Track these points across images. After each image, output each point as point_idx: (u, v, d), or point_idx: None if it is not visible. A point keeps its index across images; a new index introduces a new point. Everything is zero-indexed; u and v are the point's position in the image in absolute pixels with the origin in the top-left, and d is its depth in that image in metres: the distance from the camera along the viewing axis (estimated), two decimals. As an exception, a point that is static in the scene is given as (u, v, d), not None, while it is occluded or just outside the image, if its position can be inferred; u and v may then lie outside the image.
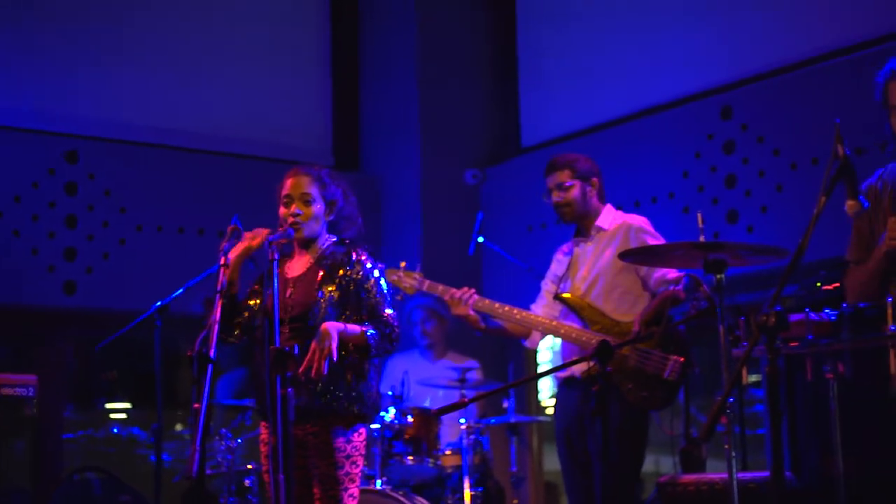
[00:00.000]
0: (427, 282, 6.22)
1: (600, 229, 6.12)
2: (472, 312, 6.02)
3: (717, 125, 8.06)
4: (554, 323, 6.02)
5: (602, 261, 6.04)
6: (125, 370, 10.30)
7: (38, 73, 8.73)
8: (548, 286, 6.33)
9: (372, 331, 5.11)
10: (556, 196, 6.13)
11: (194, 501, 4.60)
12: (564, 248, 6.33)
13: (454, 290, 6.07)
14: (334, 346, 4.94)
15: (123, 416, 10.44)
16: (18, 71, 8.63)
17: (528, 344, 6.38)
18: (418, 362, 8.43)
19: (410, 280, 6.25)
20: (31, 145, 8.44)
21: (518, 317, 6.05)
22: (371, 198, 9.73)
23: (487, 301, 6.05)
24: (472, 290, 6.03)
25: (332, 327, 4.98)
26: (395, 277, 6.22)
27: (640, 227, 6.05)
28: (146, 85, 9.16)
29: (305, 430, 5.11)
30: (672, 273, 5.83)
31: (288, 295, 5.18)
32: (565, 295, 6.09)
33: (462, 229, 8.43)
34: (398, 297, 6.18)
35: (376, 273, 5.28)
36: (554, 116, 9.61)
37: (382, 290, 5.27)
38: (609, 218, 6.15)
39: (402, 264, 6.29)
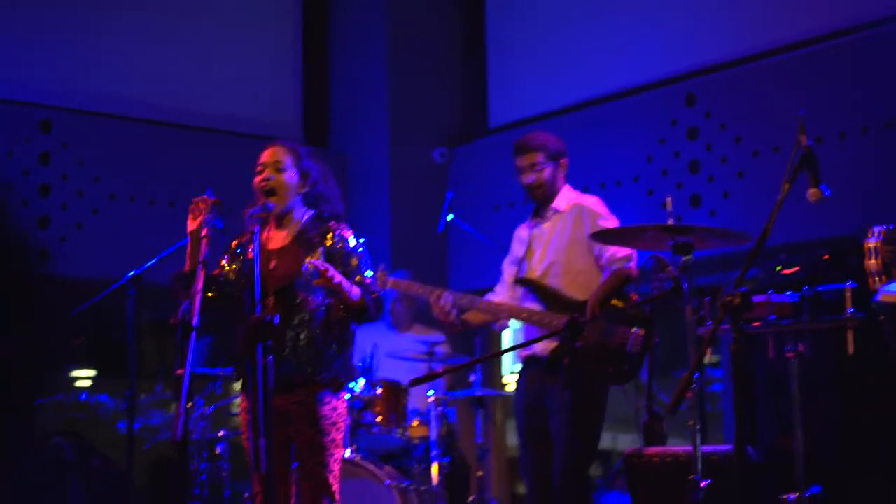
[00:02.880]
0: (391, 278, 6.36)
1: (555, 211, 6.18)
2: (455, 321, 6.10)
3: (682, 112, 8.21)
4: (517, 308, 6.09)
5: (558, 241, 6.11)
6: (92, 338, 10.37)
7: (11, 42, 8.76)
8: (508, 269, 6.38)
9: (368, 295, 5.23)
10: (528, 177, 6.17)
11: (173, 465, 4.70)
12: (521, 230, 6.38)
13: (430, 289, 6.15)
14: (336, 275, 5.09)
15: (89, 383, 10.51)
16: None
17: (497, 326, 6.49)
18: (384, 334, 8.51)
19: (396, 278, 6.46)
20: (4, 114, 8.48)
21: (485, 307, 6.12)
22: (339, 174, 9.72)
23: (465, 298, 6.11)
24: (444, 294, 6.10)
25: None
26: (380, 273, 6.25)
27: (591, 208, 6.12)
28: (120, 57, 9.20)
29: (289, 399, 5.22)
30: (622, 251, 5.92)
31: (273, 267, 5.24)
32: (525, 277, 6.17)
33: (430, 207, 8.57)
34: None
35: (360, 249, 5.36)
36: (521, 98, 9.71)
37: (367, 261, 5.37)
38: (564, 199, 6.21)
39: (381, 266, 6.34)
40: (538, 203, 6.28)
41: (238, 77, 9.85)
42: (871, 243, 4.99)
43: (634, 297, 5.92)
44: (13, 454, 7.47)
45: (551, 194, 6.21)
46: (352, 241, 5.38)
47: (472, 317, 6.26)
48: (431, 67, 10.18)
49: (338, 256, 5.31)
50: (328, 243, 5.33)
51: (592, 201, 6.21)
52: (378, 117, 9.97)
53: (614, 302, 5.85)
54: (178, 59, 9.53)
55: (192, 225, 5.17)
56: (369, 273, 5.36)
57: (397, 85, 9.98)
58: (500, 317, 6.22)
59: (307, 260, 5.19)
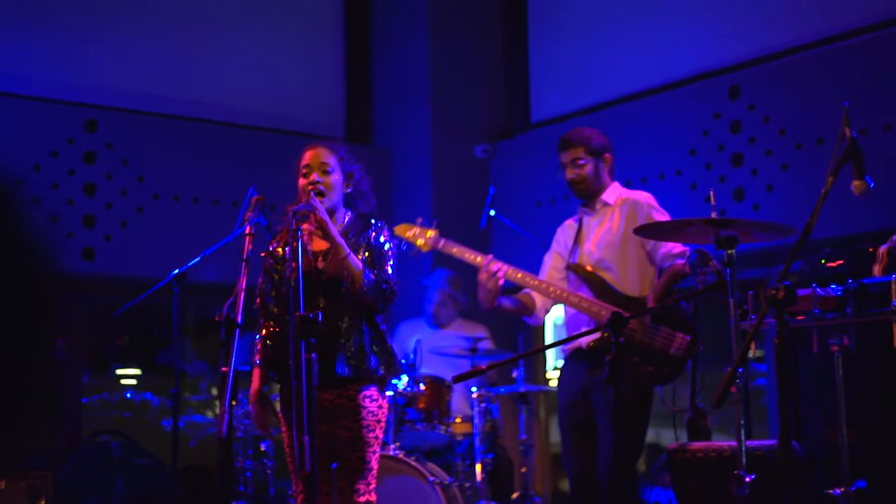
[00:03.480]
0: (442, 240, 6.13)
1: (605, 204, 6.14)
2: (498, 289, 5.95)
3: (725, 104, 8.16)
4: (567, 291, 6.02)
5: (608, 237, 6.06)
6: (137, 337, 10.44)
7: (59, 43, 8.82)
8: (551, 260, 6.32)
9: (370, 273, 5.22)
10: (570, 173, 6.14)
11: (217, 463, 4.71)
12: (570, 221, 6.34)
13: (481, 255, 6.01)
14: (325, 217, 5.12)
15: (134, 381, 10.57)
16: (39, 41, 8.72)
17: (531, 321, 6.38)
18: (426, 331, 8.54)
19: (425, 237, 6.16)
20: (51, 115, 8.53)
21: (535, 284, 6.03)
22: (382, 171, 9.82)
23: (518, 273, 5.98)
24: (499, 263, 5.94)
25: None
26: (410, 233, 6.16)
27: (647, 202, 6.08)
28: (164, 56, 9.27)
29: (336, 394, 5.26)
30: (678, 247, 5.88)
31: (321, 268, 5.29)
32: (577, 264, 6.10)
33: (472, 203, 8.57)
34: (412, 254, 6.17)
35: (388, 246, 5.39)
36: (563, 93, 9.70)
37: (392, 255, 5.39)
38: (614, 194, 6.17)
39: (419, 220, 6.22)
40: (579, 198, 6.24)
41: (281, 75, 9.89)
42: (883, 249, 4.99)
43: (673, 296, 5.87)
44: (61, 452, 7.53)
45: (595, 190, 6.16)
46: (386, 233, 5.43)
47: (508, 303, 6.19)
48: (474, 62, 10.18)
49: (366, 244, 5.36)
50: (370, 239, 5.37)
51: (645, 196, 6.17)
52: (420, 114, 9.98)
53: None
54: (221, 58, 9.58)
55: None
56: (391, 271, 5.35)
57: (439, 81, 9.99)
58: (549, 298, 6.10)
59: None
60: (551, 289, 6.01)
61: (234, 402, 5.62)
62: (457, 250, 6.09)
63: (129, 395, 10.41)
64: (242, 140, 9.35)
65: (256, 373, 5.46)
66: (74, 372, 8.62)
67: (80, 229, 8.51)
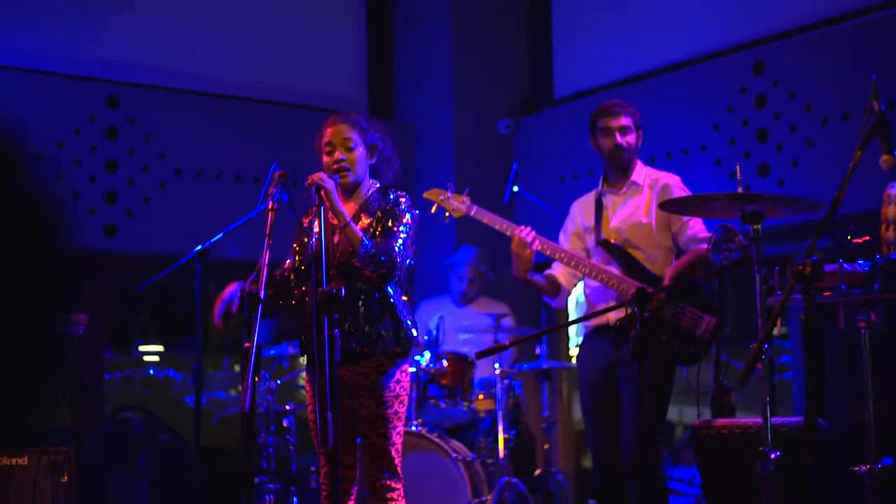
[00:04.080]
0: (475, 207, 6.04)
1: (634, 184, 6.09)
2: (531, 257, 5.85)
3: (750, 79, 8.08)
4: (597, 266, 5.93)
5: (637, 215, 6.02)
6: (159, 313, 10.45)
7: (79, 18, 8.79)
8: (567, 242, 6.25)
9: (370, 242, 5.15)
10: (619, 138, 6.03)
11: (244, 436, 4.69)
12: (587, 198, 6.28)
13: (514, 226, 5.92)
14: (330, 185, 5.07)
15: (156, 358, 10.59)
16: (60, 17, 8.69)
17: (554, 303, 6.33)
18: (449, 308, 8.54)
19: (457, 202, 6.08)
20: (73, 91, 8.50)
21: (565, 257, 5.94)
22: (405, 146, 9.72)
23: (549, 246, 5.92)
24: (532, 231, 5.88)
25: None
26: (441, 198, 6.09)
27: (677, 185, 6.05)
28: (184, 31, 9.24)
29: (354, 371, 5.25)
30: (704, 232, 5.87)
31: (336, 242, 5.25)
32: (608, 240, 6.02)
33: (495, 179, 8.54)
34: (443, 219, 6.10)
35: (408, 216, 5.31)
36: (587, 68, 9.63)
37: (406, 230, 5.27)
38: (643, 173, 6.12)
39: (450, 185, 6.16)
40: (615, 169, 6.15)
41: (303, 50, 9.85)
42: (893, 192, 4.93)
43: (697, 274, 5.82)
44: (83, 428, 7.54)
45: (629, 162, 6.10)
46: (403, 205, 5.33)
47: (538, 278, 6.12)
48: (497, 37, 10.12)
49: (382, 209, 5.31)
50: (380, 208, 5.33)
51: (675, 179, 6.12)
52: (443, 88, 9.94)
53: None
54: (243, 32, 9.54)
55: None
56: (399, 242, 5.23)
57: (462, 55, 9.94)
58: (579, 271, 5.98)
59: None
60: (582, 263, 5.94)
61: (256, 379, 5.61)
62: (488, 219, 6.01)
63: (151, 371, 10.42)
64: (265, 115, 9.31)
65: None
66: (96, 348, 8.62)
67: (102, 205, 8.49)
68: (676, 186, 6.05)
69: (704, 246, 5.77)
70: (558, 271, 6.19)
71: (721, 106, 8.25)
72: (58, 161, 8.29)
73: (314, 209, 4.97)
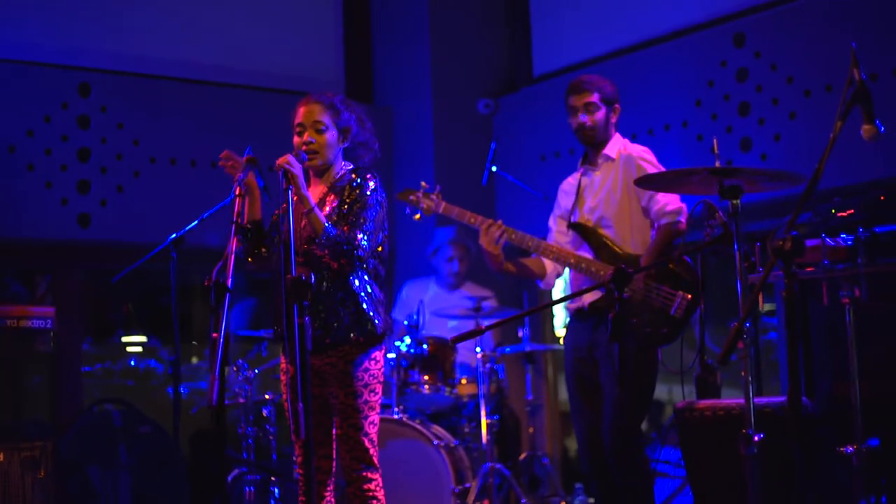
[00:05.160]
0: (443, 204, 6.14)
1: (608, 157, 6.03)
2: (500, 251, 5.90)
3: (730, 52, 7.96)
4: (566, 251, 5.93)
5: (608, 193, 5.96)
6: (141, 303, 10.34)
7: (48, 5, 8.65)
8: (555, 225, 6.25)
9: (333, 229, 5.06)
10: (580, 117, 5.99)
11: (215, 429, 4.58)
12: (570, 179, 6.25)
13: (481, 218, 5.96)
14: (297, 170, 4.96)
15: (140, 349, 10.48)
16: (29, 4, 8.55)
17: (543, 285, 6.28)
18: (433, 292, 8.45)
19: (428, 201, 6.19)
20: (43, 79, 8.36)
21: (535, 245, 5.93)
22: (383, 130, 9.65)
23: (516, 233, 5.92)
24: (501, 224, 5.90)
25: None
26: (412, 198, 6.19)
27: (640, 155, 5.96)
28: (157, 16, 9.08)
29: (322, 360, 5.15)
30: (672, 204, 5.79)
31: (303, 226, 5.15)
32: (578, 222, 6.01)
33: (475, 160, 8.44)
34: (416, 217, 6.19)
35: (375, 202, 5.21)
36: (566, 44, 9.50)
37: (371, 216, 5.18)
38: (615, 148, 6.05)
39: (423, 184, 6.24)
40: (588, 147, 6.11)
41: (279, 33, 9.70)
42: None
43: (677, 250, 5.72)
44: (61, 422, 7.44)
45: (602, 140, 6.04)
46: (371, 189, 5.22)
47: (515, 268, 6.11)
48: (474, 14, 10.01)
49: (347, 191, 5.21)
50: (346, 192, 5.23)
51: (640, 150, 6.05)
52: (421, 70, 9.81)
53: (671, 267, 5.68)
54: (217, 15, 9.39)
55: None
56: (364, 231, 5.13)
57: (440, 35, 9.80)
58: (548, 258, 6.00)
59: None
60: (552, 249, 5.94)
61: (233, 369, 5.49)
62: (457, 213, 6.08)
63: (132, 362, 10.30)
64: (240, 100, 9.16)
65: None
66: (72, 340, 8.51)
67: (75, 195, 8.34)
68: (638, 157, 5.97)
69: (680, 220, 5.73)
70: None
71: (702, 80, 8.13)
72: (28, 150, 8.18)
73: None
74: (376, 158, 5.49)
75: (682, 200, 5.91)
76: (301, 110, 5.31)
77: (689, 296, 5.60)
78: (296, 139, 5.28)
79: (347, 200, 5.19)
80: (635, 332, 5.65)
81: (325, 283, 5.13)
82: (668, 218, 5.76)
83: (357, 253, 5.07)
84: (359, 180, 5.22)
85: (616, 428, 5.59)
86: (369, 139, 5.44)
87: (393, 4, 10.17)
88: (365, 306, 5.17)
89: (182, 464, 7.57)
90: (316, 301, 5.09)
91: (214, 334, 4.39)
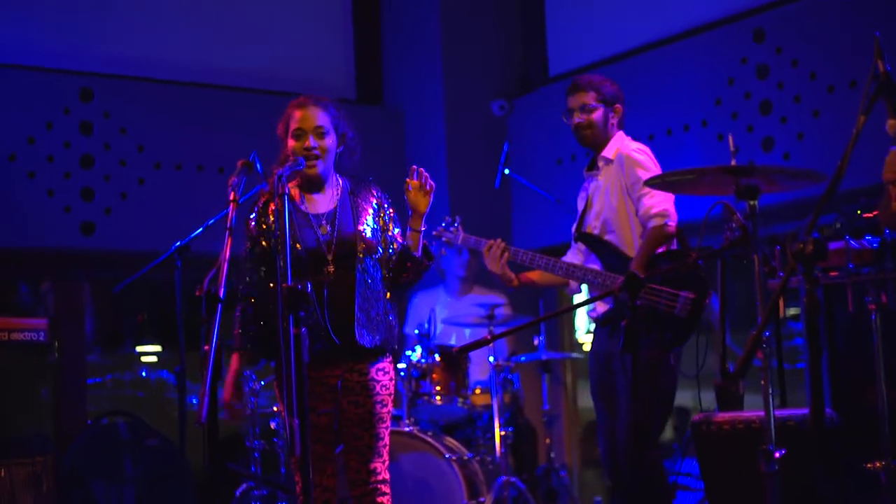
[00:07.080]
0: (462, 234, 6.11)
1: (606, 160, 5.84)
2: (506, 269, 5.85)
3: (751, 49, 7.79)
4: (573, 265, 5.77)
5: (608, 196, 5.78)
6: (154, 312, 10.21)
7: (49, 9, 8.54)
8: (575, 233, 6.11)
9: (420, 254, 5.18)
10: (577, 117, 5.84)
11: (209, 448, 4.42)
12: (585, 184, 6.06)
13: (487, 241, 5.91)
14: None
15: (154, 359, 10.35)
16: (29, 8, 8.44)
17: (569, 291, 6.16)
18: (443, 299, 8.30)
19: (450, 235, 6.18)
20: (44, 84, 8.24)
21: (542, 263, 5.79)
22: (395, 131, 9.57)
23: (522, 253, 5.84)
24: (502, 244, 5.85)
25: None
26: (434, 233, 6.13)
27: (630, 156, 5.74)
28: (162, 18, 8.97)
29: (333, 372, 5.02)
30: (657, 206, 5.56)
31: (326, 232, 5.04)
32: (583, 232, 5.87)
33: (490, 162, 8.26)
34: (441, 252, 6.43)
35: (394, 214, 5.27)
36: (582, 44, 9.36)
37: (399, 227, 5.29)
38: (614, 148, 5.85)
39: (446, 218, 6.21)
40: (588, 149, 5.96)
41: (288, 35, 9.59)
42: None
43: (693, 254, 5.49)
44: (64, 435, 7.34)
45: (601, 141, 5.86)
46: (388, 204, 5.29)
47: (537, 276, 5.98)
48: (487, 14, 9.85)
49: (382, 218, 5.20)
50: (375, 203, 5.20)
51: (634, 148, 5.81)
52: (433, 71, 9.67)
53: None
54: (222, 18, 9.28)
55: None
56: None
57: (452, 35, 9.65)
58: (557, 274, 5.83)
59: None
60: (559, 266, 5.79)
61: (242, 384, 5.36)
62: (474, 241, 6.06)
63: (143, 373, 10.16)
64: (247, 104, 9.00)
65: (236, 357, 5.15)
66: (76, 352, 8.37)
67: (79, 203, 8.22)
68: (627, 157, 5.75)
69: (667, 223, 5.53)
70: (569, 256, 6.03)
71: (722, 78, 7.96)
72: (30, 158, 8.08)
73: (277, 199, 4.72)
74: (356, 166, 5.36)
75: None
76: (297, 114, 5.15)
77: (692, 294, 5.38)
78: (292, 143, 5.11)
79: (382, 226, 5.22)
80: (643, 339, 5.43)
81: (363, 288, 5.04)
82: (654, 221, 5.55)
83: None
84: (378, 193, 5.26)
85: (629, 440, 5.40)
86: (355, 145, 5.32)
87: (403, 3, 10.00)
88: (393, 315, 5.19)
89: (190, 477, 7.49)
90: (351, 307, 4.99)
91: (206, 346, 4.22)
